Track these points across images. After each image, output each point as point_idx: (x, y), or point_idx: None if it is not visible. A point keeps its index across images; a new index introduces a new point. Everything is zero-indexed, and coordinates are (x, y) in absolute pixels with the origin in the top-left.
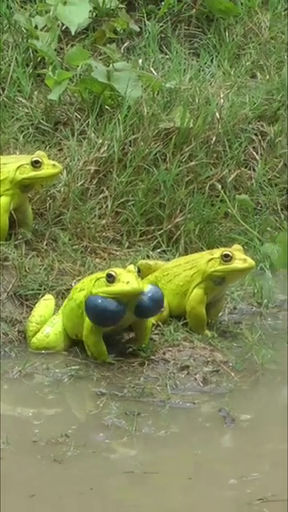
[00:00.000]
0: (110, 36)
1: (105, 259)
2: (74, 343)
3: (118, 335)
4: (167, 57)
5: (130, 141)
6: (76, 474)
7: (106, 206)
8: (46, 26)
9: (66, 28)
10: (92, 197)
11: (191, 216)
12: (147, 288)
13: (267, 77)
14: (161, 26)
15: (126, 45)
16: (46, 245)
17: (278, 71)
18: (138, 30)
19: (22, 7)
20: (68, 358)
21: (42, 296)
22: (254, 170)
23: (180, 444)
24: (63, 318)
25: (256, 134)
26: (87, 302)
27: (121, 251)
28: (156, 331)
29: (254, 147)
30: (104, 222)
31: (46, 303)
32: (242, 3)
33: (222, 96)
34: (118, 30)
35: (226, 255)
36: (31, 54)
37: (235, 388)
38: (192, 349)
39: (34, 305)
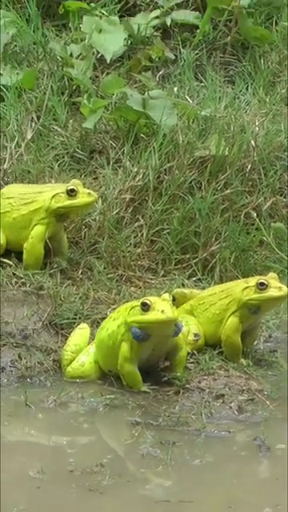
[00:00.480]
0: (145, 64)
1: (140, 288)
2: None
3: (153, 364)
4: (202, 84)
5: (166, 169)
6: (112, 504)
7: (142, 235)
8: (81, 54)
9: (102, 56)
10: (127, 225)
11: (226, 244)
12: None
13: None
14: (196, 54)
15: (161, 73)
16: (81, 273)
17: None
18: (174, 57)
19: (57, 35)
20: (103, 386)
21: (77, 325)
22: None
23: (215, 473)
24: (95, 349)
25: None
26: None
27: (156, 280)
28: (191, 360)
29: None
30: (139, 250)
31: (81, 332)
32: (277, 30)
33: (257, 124)
34: (154, 57)
35: (262, 283)
36: (66, 83)
37: (270, 416)
38: (227, 377)
39: (69, 334)
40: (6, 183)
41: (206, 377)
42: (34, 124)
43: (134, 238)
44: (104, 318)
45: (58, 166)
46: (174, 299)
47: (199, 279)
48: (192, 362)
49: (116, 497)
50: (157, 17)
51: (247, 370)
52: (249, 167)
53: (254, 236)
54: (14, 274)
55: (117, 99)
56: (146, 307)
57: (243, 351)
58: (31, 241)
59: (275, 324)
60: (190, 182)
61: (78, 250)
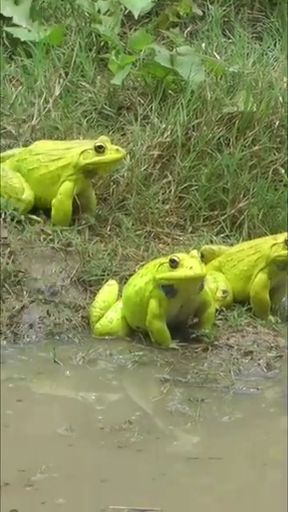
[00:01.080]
0: (173, 20)
1: (168, 244)
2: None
3: (182, 321)
4: (230, 41)
5: (194, 125)
6: (141, 460)
7: (170, 191)
8: (108, 10)
9: (129, 12)
10: (155, 182)
11: (255, 201)
12: None
13: None
14: (224, 10)
15: (189, 29)
16: (110, 230)
17: None
18: (201, 14)
19: None
20: (131, 343)
21: (106, 281)
22: None
23: (244, 430)
24: (122, 305)
25: None
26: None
27: (184, 236)
28: (220, 316)
29: None
30: (167, 207)
31: (110, 289)
32: None
33: (285, 80)
34: (181, 14)
35: None
36: (94, 39)
37: None
38: (255, 334)
39: (98, 290)
40: (35, 139)
41: (234, 334)
42: (61, 80)
43: (162, 194)
44: (132, 275)
45: (86, 122)
46: (202, 256)
47: (227, 236)
48: (220, 319)
49: (145, 453)
50: None
51: (275, 327)
52: (277, 123)
53: (282, 192)
54: (42, 231)
55: (144, 55)
56: (174, 264)
57: (271, 308)
58: (59, 197)
59: None
60: (218, 139)
61: (106, 206)
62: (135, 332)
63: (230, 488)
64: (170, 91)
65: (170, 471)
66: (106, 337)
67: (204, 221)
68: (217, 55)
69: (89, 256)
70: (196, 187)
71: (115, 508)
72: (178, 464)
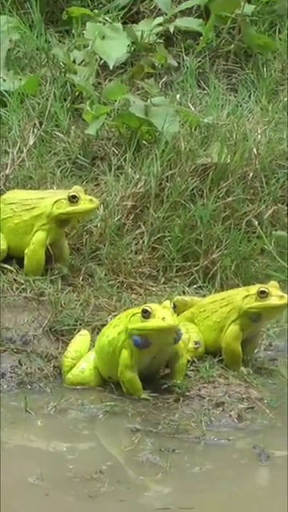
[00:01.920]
0: (148, 71)
1: (141, 295)
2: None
3: (153, 371)
4: (205, 92)
5: (167, 176)
6: (112, 510)
7: (143, 242)
8: (83, 60)
9: (104, 62)
10: (129, 232)
11: (228, 252)
12: None
13: None
14: (199, 61)
15: (163, 80)
16: (82, 280)
17: None
18: (176, 64)
19: (60, 41)
20: (103, 393)
21: (78, 331)
22: None
23: (215, 481)
24: (95, 355)
25: None
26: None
27: (157, 287)
28: (191, 367)
29: None
30: (140, 257)
31: (82, 338)
32: (280, 39)
33: (259, 132)
34: (156, 64)
35: (262, 292)
36: (69, 89)
37: (270, 425)
38: (227, 385)
39: (70, 340)
40: (8, 189)
41: (206, 384)
42: (36, 130)
43: (135, 244)
44: (104, 325)
45: (60, 172)
46: (174, 306)
47: (200, 287)
48: (192, 370)
49: (115, 504)
50: (160, 24)
51: (247, 379)
52: (251, 175)
53: (255, 244)
54: (14, 280)
55: (119, 106)
56: (146, 314)
57: (243, 359)
58: (32, 247)
59: (275, 332)
60: (192, 190)
61: (79, 256)
62: (107, 382)
63: None
64: (144, 142)
65: None
66: (78, 387)
67: (177, 271)
68: (191, 106)
69: (61, 306)
70: (169, 238)
71: None
72: None
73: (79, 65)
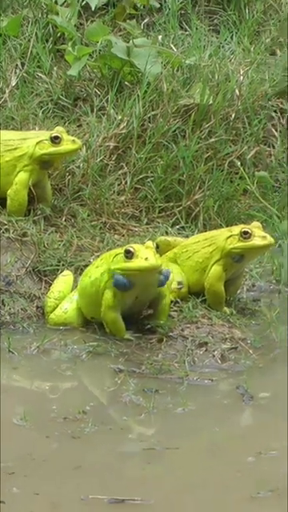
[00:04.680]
0: (130, 12)
1: (123, 235)
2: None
3: (136, 312)
4: (187, 33)
5: (150, 117)
6: (94, 451)
7: (125, 183)
8: (65, 1)
9: (86, 3)
10: (111, 173)
11: (210, 193)
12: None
13: (287, 54)
14: (181, 3)
15: (145, 21)
16: (65, 220)
17: None
18: (158, 6)
19: None
20: (86, 334)
21: (61, 272)
22: (273, 146)
23: (198, 421)
24: (78, 296)
25: (275, 111)
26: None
27: (139, 227)
28: (175, 308)
29: (273, 124)
30: (123, 198)
31: (65, 279)
32: None
33: (241, 73)
34: (138, 5)
35: (245, 232)
36: (51, 30)
37: (253, 365)
38: (210, 326)
39: (53, 281)
40: None
41: (189, 325)
42: (18, 71)
43: (118, 185)
44: (87, 266)
45: (42, 113)
46: (157, 247)
47: (183, 227)
48: (175, 310)
49: (98, 444)
50: None
51: (230, 319)
52: (233, 116)
53: (238, 185)
54: None
55: (101, 47)
56: (129, 254)
57: (226, 300)
58: (15, 187)
59: (259, 273)
60: (174, 131)
61: (61, 197)
62: (90, 322)
63: (191, 477)
64: (126, 83)
65: (128, 462)
66: (61, 327)
67: (159, 212)
68: (173, 47)
69: (44, 246)
70: (152, 179)
71: (95, 497)
72: (134, 455)
73: (61, 6)
